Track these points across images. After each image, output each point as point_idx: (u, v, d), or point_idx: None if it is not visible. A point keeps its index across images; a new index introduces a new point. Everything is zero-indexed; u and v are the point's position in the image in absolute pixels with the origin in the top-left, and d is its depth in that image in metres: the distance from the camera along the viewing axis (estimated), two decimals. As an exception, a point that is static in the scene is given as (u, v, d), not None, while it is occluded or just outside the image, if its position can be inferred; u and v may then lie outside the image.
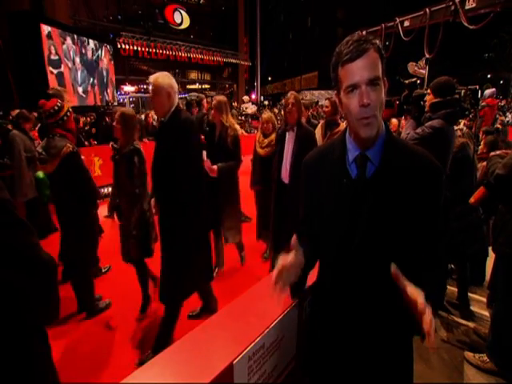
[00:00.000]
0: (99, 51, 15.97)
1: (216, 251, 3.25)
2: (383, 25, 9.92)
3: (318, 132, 3.39)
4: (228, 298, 2.85)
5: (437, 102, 2.29)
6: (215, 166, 2.80)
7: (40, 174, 1.73)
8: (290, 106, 2.73)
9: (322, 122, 3.98)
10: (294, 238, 1.00)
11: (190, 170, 2.02)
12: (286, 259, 0.92)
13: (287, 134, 2.83)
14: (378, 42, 0.85)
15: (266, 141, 3.38)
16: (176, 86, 2.05)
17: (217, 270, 3.27)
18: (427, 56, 8.47)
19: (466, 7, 7.33)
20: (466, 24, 7.28)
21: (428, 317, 0.74)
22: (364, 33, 11.45)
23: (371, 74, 0.82)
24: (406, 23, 9.21)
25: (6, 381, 0.86)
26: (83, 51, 14.72)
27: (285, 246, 1.03)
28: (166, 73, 2.08)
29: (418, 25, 8.56)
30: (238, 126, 3.20)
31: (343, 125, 3.18)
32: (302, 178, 1.09)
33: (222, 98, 3.11)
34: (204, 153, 2.86)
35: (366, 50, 0.82)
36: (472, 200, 2.22)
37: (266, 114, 3.58)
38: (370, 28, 10.87)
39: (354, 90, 0.84)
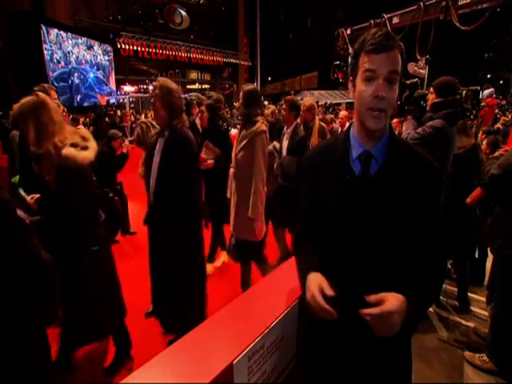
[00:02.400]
0: (99, 51, 15.96)
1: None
2: (372, 21, 9.44)
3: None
4: (228, 297, 2.85)
5: (438, 102, 2.29)
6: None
7: (16, 178, 1.72)
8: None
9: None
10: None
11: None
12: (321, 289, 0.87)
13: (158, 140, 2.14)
14: (401, 44, 0.86)
15: None
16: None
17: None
18: (418, 57, 8.21)
19: (460, 2, 6.84)
20: (457, 24, 6.87)
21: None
22: (348, 31, 10.76)
23: (392, 67, 0.83)
24: (395, 20, 8.77)
25: (6, 381, 0.86)
26: (83, 51, 14.71)
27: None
28: None
29: (409, 22, 8.11)
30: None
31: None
32: (301, 174, 1.09)
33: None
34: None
35: (393, 48, 0.83)
36: (468, 200, 2.22)
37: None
38: (357, 25, 10.47)
39: (372, 81, 0.84)
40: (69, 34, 13.51)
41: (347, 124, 4.22)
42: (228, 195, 2.70)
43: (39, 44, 11.44)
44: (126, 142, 3.92)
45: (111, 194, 2.19)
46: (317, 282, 0.89)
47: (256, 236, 2.46)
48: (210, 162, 2.92)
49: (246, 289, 2.46)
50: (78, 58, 14.20)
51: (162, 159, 1.99)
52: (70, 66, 13.59)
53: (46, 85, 3.16)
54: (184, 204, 2.01)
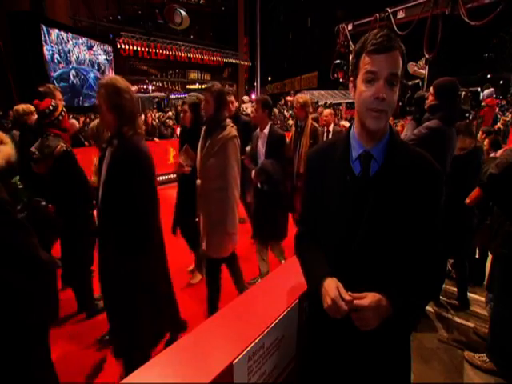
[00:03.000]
0: (99, 51, 15.97)
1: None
2: (377, 15, 8.80)
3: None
4: (228, 297, 2.85)
5: (435, 105, 2.29)
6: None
7: (17, 179, 1.70)
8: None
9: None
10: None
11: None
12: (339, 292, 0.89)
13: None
14: (402, 44, 0.86)
15: None
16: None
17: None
18: (426, 56, 7.89)
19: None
20: (465, 19, 6.47)
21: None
22: (350, 27, 10.26)
23: (393, 69, 0.84)
24: (400, 14, 8.24)
25: (5, 381, 0.86)
26: (83, 51, 14.72)
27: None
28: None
29: (417, 16, 7.58)
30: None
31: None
32: (304, 174, 1.10)
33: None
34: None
35: (394, 49, 0.84)
36: (468, 201, 2.22)
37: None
38: (359, 20, 9.79)
39: (372, 82, 0.85)
40: (69, 34, 13.51)
41: (332, 124, 4.10)
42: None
43: (39, 44, 11.45)
44: None
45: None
46: (335, 286, 0.90)
47: (228, 251, 2.30)
48: (187, 168, 2.61)
49: (213, 311, 2.21)
50: (78, 58, 14.21)
51: (108, 174, 1.64)
52: (70, 66, 13.59)
53: (51, 85, 3.16)
54: (131, 232, 1.62)
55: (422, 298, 0.95)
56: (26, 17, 10.93)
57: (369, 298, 0.86)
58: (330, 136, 3.93)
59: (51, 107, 2.44)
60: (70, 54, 13.54)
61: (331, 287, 0.90)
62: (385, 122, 0.88)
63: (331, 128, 4.03)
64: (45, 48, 11.72)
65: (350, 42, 10.29)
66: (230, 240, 2.25)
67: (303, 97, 3.43)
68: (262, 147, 2.74)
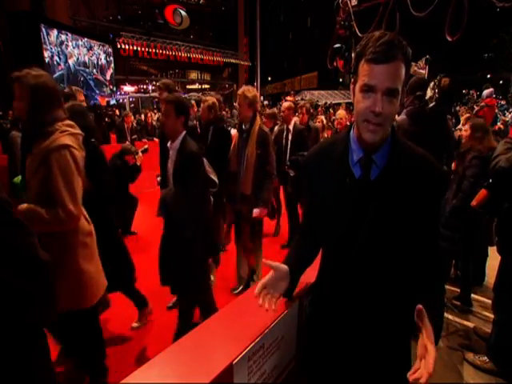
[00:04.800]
0: (99, 52, 15.97)
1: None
2: None
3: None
4: (228, 297, 2.85)
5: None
6: None
7: (17, 179, 1.68)
8: None
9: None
10: (264, 261, 1.04)
11: None
12: (264, 279, 1.01)
13: None
14: (407, 47, 0.81)
15: None
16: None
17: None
18: (449, 39, 6.67)
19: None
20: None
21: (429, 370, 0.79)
22: (354, 1, 7.99)
23: (392, 84, 0.79)
24: None
25: (4, 381, 0.86)
26: (83, 52, 14.72)
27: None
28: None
29: None
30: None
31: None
32: (303, 175, 1.09)
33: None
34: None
35: (394, 58, 0.77)
36: (474, 203, 2.21)
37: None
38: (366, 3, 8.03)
39: (370, 93, 0.80)
40: (69, 34, 13.51)
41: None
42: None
43: (39, 44, 11.45)
44: (140, 153, 3.86)
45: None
46: (269, 275, 1.02)
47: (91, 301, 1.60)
48: None
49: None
50: (78, 58, 14.21)
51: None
52: (70, 67, 13.59)
53: (73, 87, 3.22)
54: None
55: (441, 304, 0.95)
56: (26, 17, 10.93)
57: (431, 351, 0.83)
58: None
59: None
60: (69, 54, 13.54)
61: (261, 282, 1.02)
62: (381, 134, 0.83)
63: None
64: (44, 48, 11.72)
65: (354, 23, 8.21)
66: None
67: (251, 90, 2.60)
68: (170, 167, 2.03)
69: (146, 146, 4.41)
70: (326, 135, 4.92)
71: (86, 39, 14.83)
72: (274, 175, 2.75)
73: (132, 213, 4.24)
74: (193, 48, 21.77)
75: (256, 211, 2.61)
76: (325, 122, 5.61)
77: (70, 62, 13.61)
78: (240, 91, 2.61)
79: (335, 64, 8.70)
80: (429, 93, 2.76)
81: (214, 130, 3.14)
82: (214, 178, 2.45)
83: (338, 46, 8.60)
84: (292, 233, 3.98)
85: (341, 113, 4.35)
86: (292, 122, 3.71)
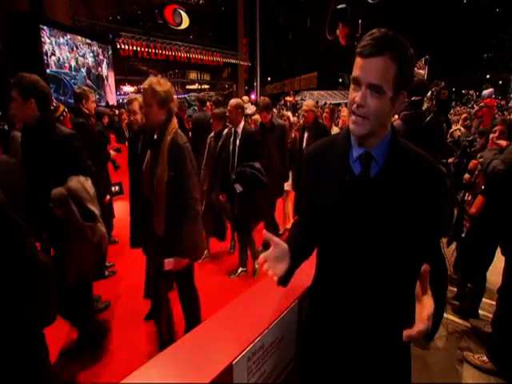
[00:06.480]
0: (99, 52, 15.96)
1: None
2: None
3: None
4: (228, 297, 2.84)
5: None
6: None
7: None
8: None
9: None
10: (264, 232, 1.00)
11: None
12: (267, 252, 0.96)
13: None
14: (403, 47, 0.80)
15: None
16: None
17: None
18: (329, 37, 5.88)
19: None
20: None
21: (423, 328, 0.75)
22: None
23: (374, 80, 0.79)
24: None
25: (3, 381, 0.86)
26: (83, 51, 14.71)
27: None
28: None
29: None
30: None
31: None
32: (303, 169, 1.09)
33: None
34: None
35: (380, 54, 0.78)
36: (473, 210, 2.20)
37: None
38: None
39: (357, 86, 0.83)
40: (68, 34, 13.50)
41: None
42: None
43: (39, 44, 11.44)
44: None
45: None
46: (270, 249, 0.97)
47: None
48: None
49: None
50: (77, 58, 14.20)
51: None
52: (69, 66, 13.58)
53: (86, 88, 3.23)
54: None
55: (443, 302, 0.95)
56: (26, 17, 10.92)
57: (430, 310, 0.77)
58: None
59: (52, 108, 2.45)
60: (69, 54, 13.53)
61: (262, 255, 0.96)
62: (366, 128, 0.84)
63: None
64: (44, 48, 11.71)
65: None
66: None
67: (162, 82, 1.83)
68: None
69: (119, 147, 4.38)
70: (293, 135, 4.38)
71: (85, 39, 14.82)
72: (195, 204, 1.91)
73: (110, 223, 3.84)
74: (192, 48, 21.74)
75: (169, 262, 1.83)
76: (292, 119, 5.04)
77: (70, 61, 13.60)
78: (146, 84, 1.79)
79: (338, 33, 6.42)
80: (426, 104, 2.72)
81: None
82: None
83: (342, 6, 6.45)
84: (243, 265, 3.21)
85: (345, 111, 4.28)
86: (241, 125, 3.04)
